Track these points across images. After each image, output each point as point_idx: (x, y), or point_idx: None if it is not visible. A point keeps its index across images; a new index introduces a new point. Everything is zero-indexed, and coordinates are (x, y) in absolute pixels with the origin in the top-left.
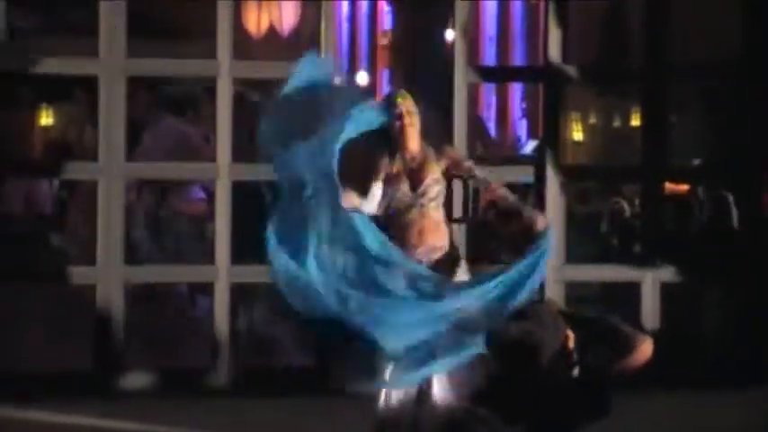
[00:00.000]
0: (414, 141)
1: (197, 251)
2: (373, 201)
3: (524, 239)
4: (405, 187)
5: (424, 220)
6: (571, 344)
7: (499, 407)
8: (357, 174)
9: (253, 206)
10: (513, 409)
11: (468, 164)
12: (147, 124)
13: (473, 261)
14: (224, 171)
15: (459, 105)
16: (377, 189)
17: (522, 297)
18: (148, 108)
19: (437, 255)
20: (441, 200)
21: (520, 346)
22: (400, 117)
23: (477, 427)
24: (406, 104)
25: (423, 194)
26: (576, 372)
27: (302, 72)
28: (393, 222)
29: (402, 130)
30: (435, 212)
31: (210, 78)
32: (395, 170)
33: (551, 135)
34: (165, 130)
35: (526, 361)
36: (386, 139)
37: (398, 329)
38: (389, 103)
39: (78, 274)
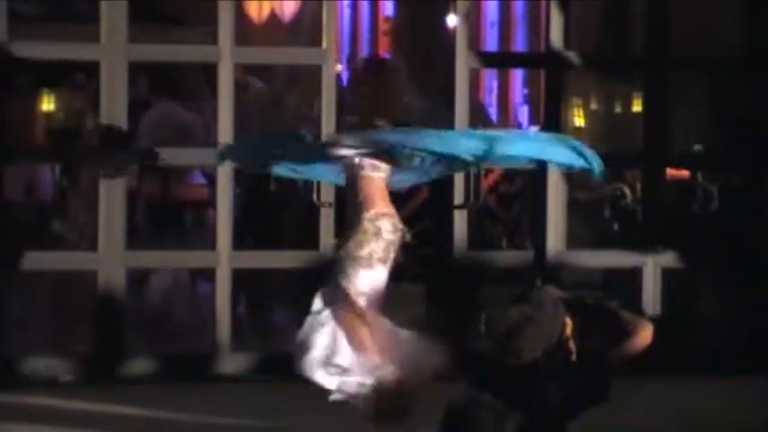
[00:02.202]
0: None
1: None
2: None
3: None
4: None
5: None
6: (569, 330)
7: (502, 392)
8: None
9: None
10: (515, 394)
11: None
12: (145, 108)
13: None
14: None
15: (461, 91)
16: None
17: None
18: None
19: None
20: None
21: (519, 330)
22: None
23: (480, 412)
24: None
25: None
26: (573, 358)
27: None
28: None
29: None
30: None
31: (212, 64)
32: None
33: (553, 121)
34: (165, 114)
35: (524, 345)
36: None
37: None
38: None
39: (80, 259)
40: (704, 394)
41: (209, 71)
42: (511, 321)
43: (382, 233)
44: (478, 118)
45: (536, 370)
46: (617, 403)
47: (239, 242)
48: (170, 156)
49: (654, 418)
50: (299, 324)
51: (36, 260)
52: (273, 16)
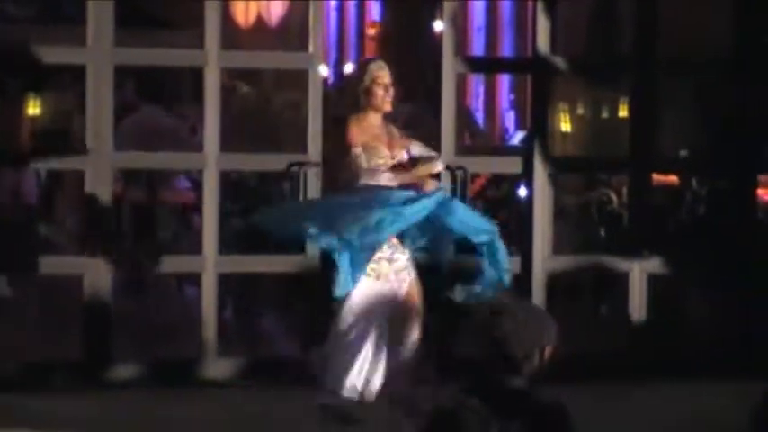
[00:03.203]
0: (389, 107)
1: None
2: None
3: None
4: (383, 149)
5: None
6: (549, 350)
7: (491, 398)
8: None
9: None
10: (503, 400)
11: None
12: (131, 112)
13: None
14: (211, 161)
15: (448, 96)
16: None
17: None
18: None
19: None
20: None
21: (506, 319)
22: (377, 83)
23: (468, 416)
24: (384, 74)
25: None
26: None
27: None
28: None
29: (379, 96)
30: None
31: (198, 68)
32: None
33: (539, 126)
34: (146, 118)
35: (507, 335)
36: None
37: None
38: (365, 70)
39: (66, 264)
40: (689, 398)
41: (196, 75)
42: (498, 306)
43: None
44: (465, 123)
45: (522, 377)
46: (604, 405)
47: (225, 246)
48: (155, 160)
49: (646, 423)
50: (285, 328)
51: (22, 264)
52: (260, 20)
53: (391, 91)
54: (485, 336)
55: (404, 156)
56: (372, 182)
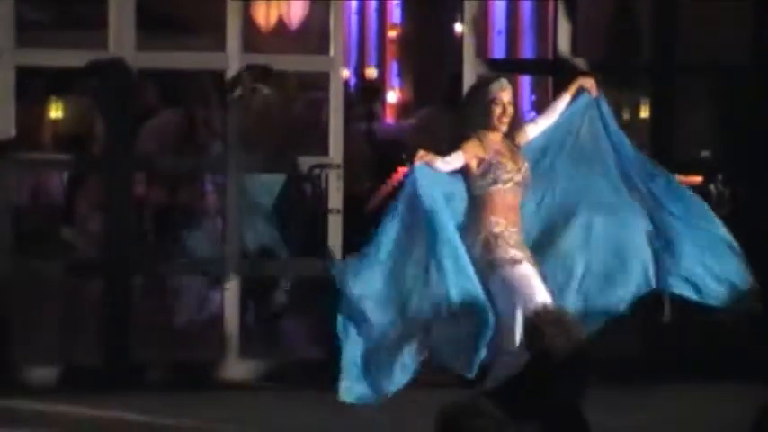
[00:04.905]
0: (505, 128)
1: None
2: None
3: None
4: (510, 164)
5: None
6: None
7: (505, 401)
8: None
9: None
10: (517, 403)
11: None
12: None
13: None
14: (233, 164)
15: None
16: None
17: None
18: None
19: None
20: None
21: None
22: (495, 102)
23: (479, 419)
24: (504, 94)
25: (522, 173)
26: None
27: None
28: (494, 198)
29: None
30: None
31: (219, 71)
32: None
33: None
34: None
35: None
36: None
37: None
38: (487, 90)
39: (89, 267)
40: (714, 400)
41: (217, 78)
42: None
43: None
44: None
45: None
46: (627, 408)
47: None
48: (176, 163)
49: (666, 425)
50: (306, 331)
51: (44, 267)
52: (281, 23)
53: (509, 110)
54: (529, 342)
55: (527, 168)
56: (499, 200)
